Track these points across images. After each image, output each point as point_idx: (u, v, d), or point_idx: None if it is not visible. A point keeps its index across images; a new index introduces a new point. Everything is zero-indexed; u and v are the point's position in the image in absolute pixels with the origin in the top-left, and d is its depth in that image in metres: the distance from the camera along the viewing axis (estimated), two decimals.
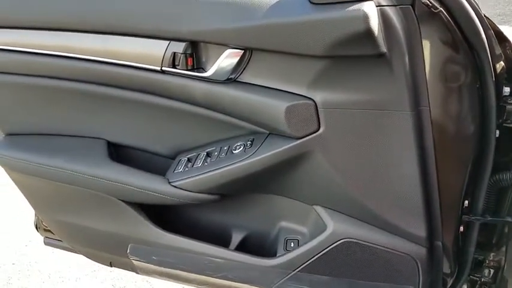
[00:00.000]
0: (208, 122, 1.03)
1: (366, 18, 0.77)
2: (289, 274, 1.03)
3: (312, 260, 1.01)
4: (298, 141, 0.93)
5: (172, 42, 0.94)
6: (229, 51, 0.91)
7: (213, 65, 0.94)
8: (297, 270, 1.02)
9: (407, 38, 0.83)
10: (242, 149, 1.00)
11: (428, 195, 0.93)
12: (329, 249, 0.99)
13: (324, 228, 1.00)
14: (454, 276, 1.07)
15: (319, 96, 0.89)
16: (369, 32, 0.78)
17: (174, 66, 0.95)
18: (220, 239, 1.12)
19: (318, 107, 0.89)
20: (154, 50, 0.96)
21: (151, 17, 0.94)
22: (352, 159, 0.93)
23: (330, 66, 0.86)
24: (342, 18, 0.79)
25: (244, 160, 0.97)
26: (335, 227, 0.98)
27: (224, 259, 1.07)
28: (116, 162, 1.11)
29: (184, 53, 0.93)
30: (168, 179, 1.05)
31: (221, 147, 1.04)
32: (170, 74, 0.97)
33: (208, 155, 1.06)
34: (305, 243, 1.03)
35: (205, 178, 1.01)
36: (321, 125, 0.91)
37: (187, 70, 0.95)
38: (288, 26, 0.84)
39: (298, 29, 0.83)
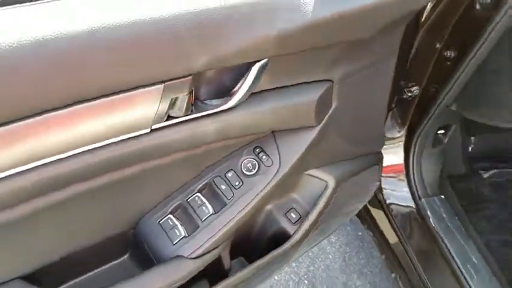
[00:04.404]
0: (188, 159, 0.80)
1: None
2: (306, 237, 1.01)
3: (323, 214, 1.00)
4: (318, 128, 0.86)
5: (168, 83, 0.61)
6: (257, 65, 0.68)
7: (230, 89, 0.72)
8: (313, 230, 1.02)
9: None
10: (261, 167, 0.85)
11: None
12: (334, 198, 1.01)
13: (318, 184, 0.99)
14: None
15: (337, 74, 0.82)
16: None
17: (168, 118, 0.68)
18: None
19: (334, 84, 0.83)
20: (140, 107, 0.62)
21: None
22: (348, 117, 0.93)
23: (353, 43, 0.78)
24: None
25: (274, 179, 0.85)
26: (335, 179, 0.99)
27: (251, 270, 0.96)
28: None
29: (189, 92, 0.66)
30: (182, 256, 0.80)
31: (222, 176, 0.84)
32: (165, 128, 0.69)
33: (202, 191, 0.84)
34: (307, 210, 0.99)
35: (235, 224, 0.84)
36: (333, 101, 0.86)
37: (191, 113, 0.70)
38: (348, 15, 0.69)
39: (357, 16, 0.70)
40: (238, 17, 0.61)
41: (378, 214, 1.37)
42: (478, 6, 0.96)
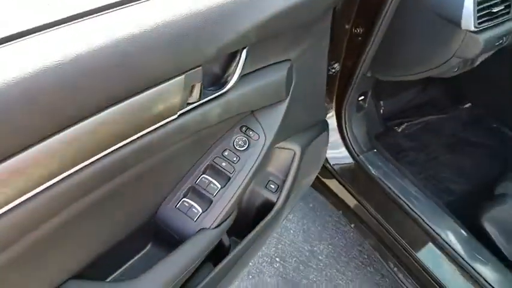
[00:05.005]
0: (193, 143, 0.91)
1: None
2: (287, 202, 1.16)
3: (296, 180, 1.15)
4: (287, 101, 1.03)
5: (187, 73, 0.73)
6: (245, 51, 0.83)
7: (220, 75, 0.86)
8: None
9: None
10: (250, 142, 1.00)
11: None
12: (301, 164, 1.16)
13: (287, 154, 1.14)
14: None
15: (293, 54, 0.99)
16: None
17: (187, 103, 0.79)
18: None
19: (293, 62, 1.00)
20: (168, 95, 0.73)
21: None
22: (303, 89, 1.10)
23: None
24: None
25: (263, 149, 0.99)
26: (299, 146, 1.14)
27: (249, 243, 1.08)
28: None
29: (202, 79, 0.78)
30: (205, 228, 0.93)
31: (220, 156, 0.98)
32: (189, 111, 0.81)
33: (206, 172, 0.97)
34: (282, 179, 1.13)
35: (241, 192, 0.98)
36: (293, 77, 1.03)
37: (202, 97, 0.81)
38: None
39: (308, 2, 0.88)
40: (231, 11, 0.76)
41: (327, 178, 1.60)
42: None
